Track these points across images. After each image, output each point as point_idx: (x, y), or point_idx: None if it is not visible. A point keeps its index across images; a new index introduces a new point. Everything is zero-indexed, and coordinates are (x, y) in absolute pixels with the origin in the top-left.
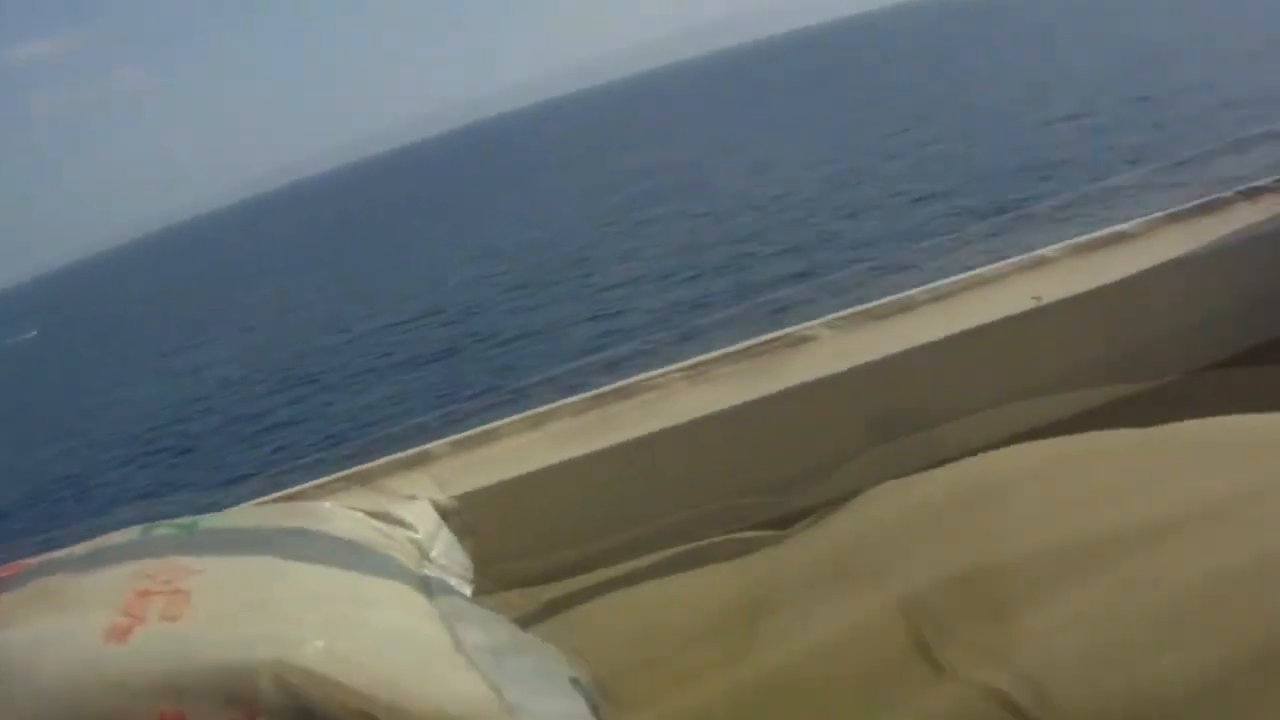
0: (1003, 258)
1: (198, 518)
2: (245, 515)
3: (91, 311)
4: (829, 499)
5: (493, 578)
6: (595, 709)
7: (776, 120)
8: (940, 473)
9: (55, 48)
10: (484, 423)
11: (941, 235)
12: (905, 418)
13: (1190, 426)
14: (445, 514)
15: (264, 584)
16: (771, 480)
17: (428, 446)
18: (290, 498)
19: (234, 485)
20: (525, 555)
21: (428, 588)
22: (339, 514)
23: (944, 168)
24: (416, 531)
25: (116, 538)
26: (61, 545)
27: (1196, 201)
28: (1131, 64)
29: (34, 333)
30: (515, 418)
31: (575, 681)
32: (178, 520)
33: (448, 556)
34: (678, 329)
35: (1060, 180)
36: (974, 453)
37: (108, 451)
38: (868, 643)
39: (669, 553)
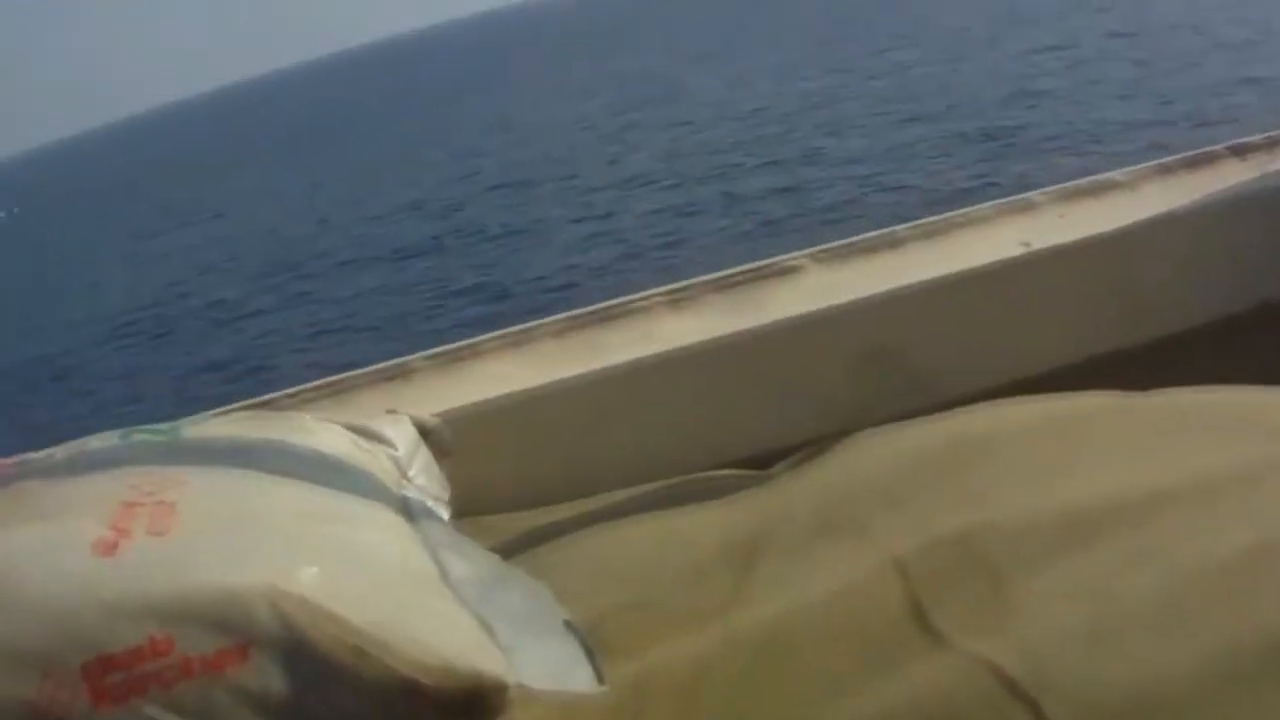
0: (991, 198)
1: (178, 424)
2: (225, 424)
3: (66, 194)
4: (812, 437)
5: (468, 501)
6: (589, 655)
7: (748, 33)
8: (929, 423)
9: None
10: (462, 337)
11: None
12: (890, 357)
13: (1185, 395)
14: (424, 432)
15: (250, 499)
16: (754, 414)
17: (404, 360)
18: (263, 405)
19: (210, 371)
20: (502, 480)
21: (408, 510)
22: (319, 427)
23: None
24: (396, 449)
25: (95, 442)
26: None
27: (1186, 154)
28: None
29: (1, 214)
30: (495, 335)
31: (568, 624)
32: (157, 426)
33: (425, 476)
34: (667, 235)
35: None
36: (959, 398)
37: (79, 331)
38: (862, 603)
39: (650, 487)
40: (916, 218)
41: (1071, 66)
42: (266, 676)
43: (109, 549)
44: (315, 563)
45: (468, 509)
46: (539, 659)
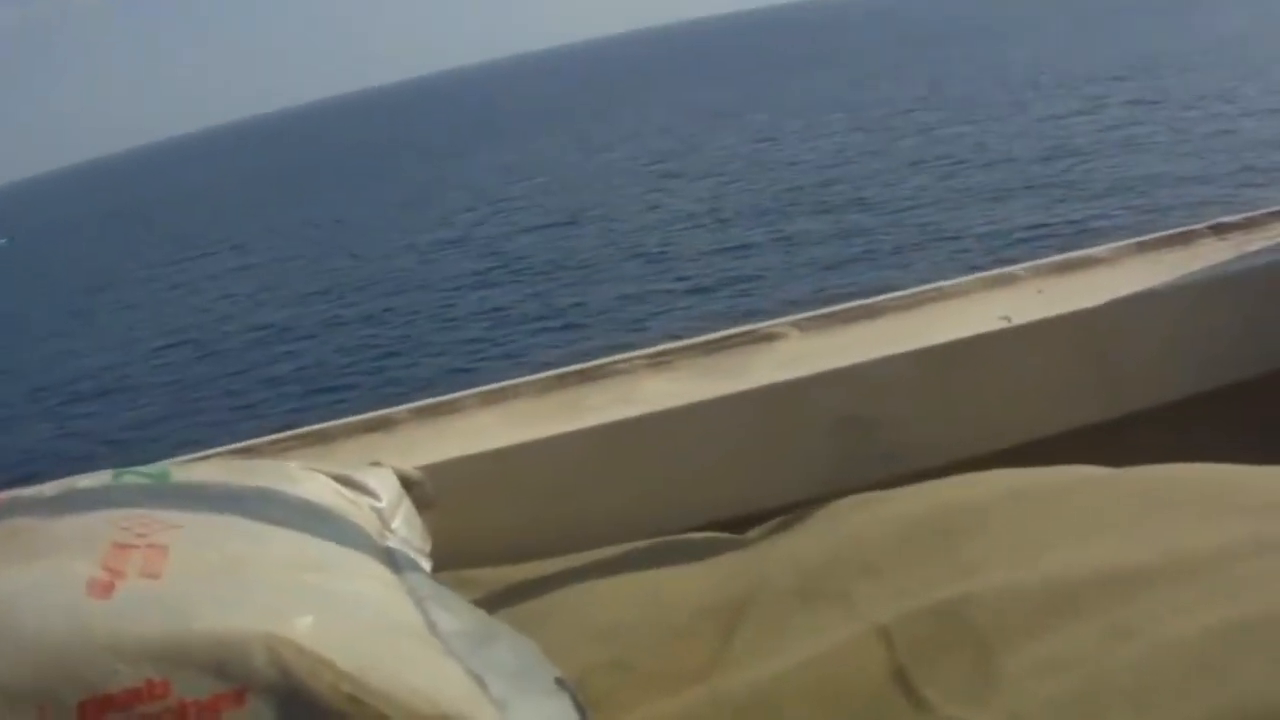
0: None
1: (167, 467)
2: (212, 469)
3: (63, 223)
4: (790, 502)
5: (447, 555)
6: (581, 712)
7: (766, 91)
8: (909, 493)
9: None
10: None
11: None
12: (869, 426)
13: (1162, 471)
14: (407, 484)
15: (241, 546)
16: (733, 478)
17: (387, 411)
18: (245, 452)
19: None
20: (481, 534)
21: (393, 561)
22: (304, 476)
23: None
24: (379, 500)
25: (85, 481)
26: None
27: (1165, 232)
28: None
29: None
30: (478, 390)
31: (559, 681)
32: (147, 469)
33: (407, 528)
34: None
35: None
36: (937, 468)
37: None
38: (847, 668)
39: (628, 546)
40: (981, 264)
41: (1104, 130)
42: None
43: (104, 590)
44: (309, 611)
45: (447, 562)
46: (531, 714)
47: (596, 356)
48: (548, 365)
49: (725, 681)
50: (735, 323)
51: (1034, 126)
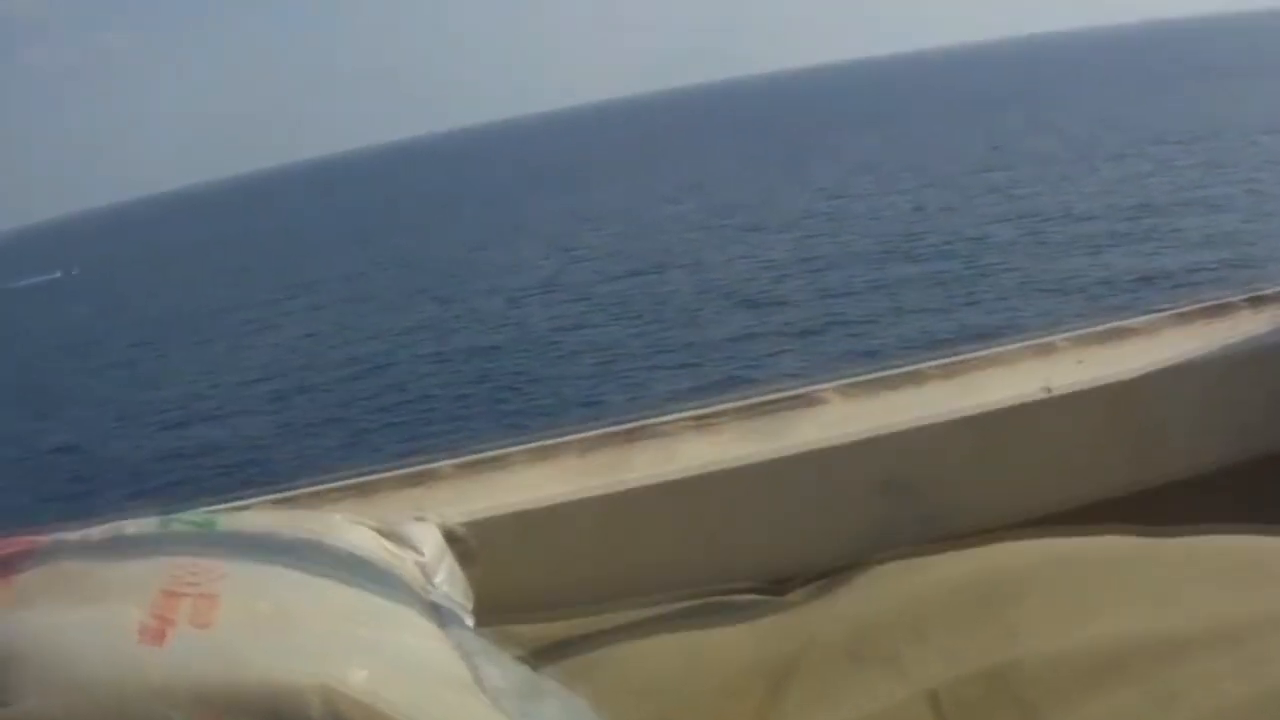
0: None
1: (214, 515)
2: (260, 518)
3: (125, 257)
4: (831, 564)
5: (489, 610)
6: None
7: (821, 149)
8: (952, 559)
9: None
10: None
11: None
12: (909, 490)
13: (1201, 543)
14: (450, 538)
15: (290, 597)
16: (774, 538)
17: (430, 466)
18: (286, 501)
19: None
20: (523, 590)
21: (438, 616)
22: (349, 527)
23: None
24: (423, 554)
25: (132, 527)
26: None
27: (1201, 304)
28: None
29: (58, 273)
30: (520, 448)
31: None
32: (193, 516)
33: (450, 584)
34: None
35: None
36: (976, 532)
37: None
38: None
39: (670, 605)
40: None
41: (1177, 189)
42: None
43: (156, 637)
44: (362, 662)
45: (488, 618)
46: None
47: (720, 390)
48: (670, 400)
49: None
50: (870, 364)
51: (1111, 185)
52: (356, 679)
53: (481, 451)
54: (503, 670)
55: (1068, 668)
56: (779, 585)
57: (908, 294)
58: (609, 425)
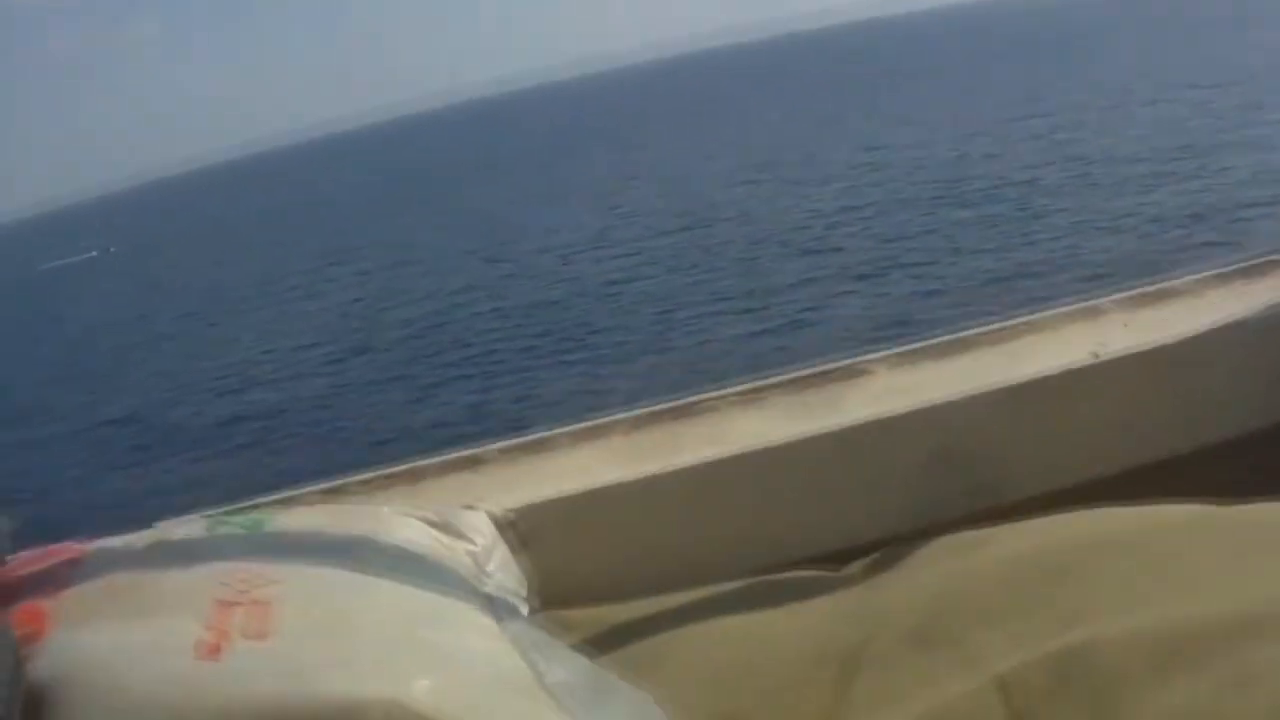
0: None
1: (260, 515)
2: (306, 516)
3: (163, 233)
4: (883, 537)
5: (541, 597)
6: None
7: (858, 103)
8: (1008, 532)
9: None
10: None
11: None
12: (960, 460)
13: (1257, 512)
14: (501, 526)
15: (345, 600)
16: (825, 514)
17: (476, 451)
18: (334, 492)
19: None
20: (575, 576)
21: (494, 609)
22: (399, 521)
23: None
24: (475, 544)
25: (179, 531)
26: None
27: (1242, 263)
28: None
29: (94, 252)
30: (567, 429)
31: None
32: (240, 517)
33: (503, 573)
34: None
35: None
36: (1028, 500)
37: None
38: None
39: (727, 585)
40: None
41: (1222, 130)
42: None
43: (212, 652)
44: (423, 670)
45: (541, 604)
46: None
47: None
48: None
49: None
50: (916, 306)
51: (1151, 129)
52: (419, 689)
53: (527, 435)
54: (563, 665)
55: (1137, 651)
56: (833, 560)
57: (963, 235)
58: (655, 404)
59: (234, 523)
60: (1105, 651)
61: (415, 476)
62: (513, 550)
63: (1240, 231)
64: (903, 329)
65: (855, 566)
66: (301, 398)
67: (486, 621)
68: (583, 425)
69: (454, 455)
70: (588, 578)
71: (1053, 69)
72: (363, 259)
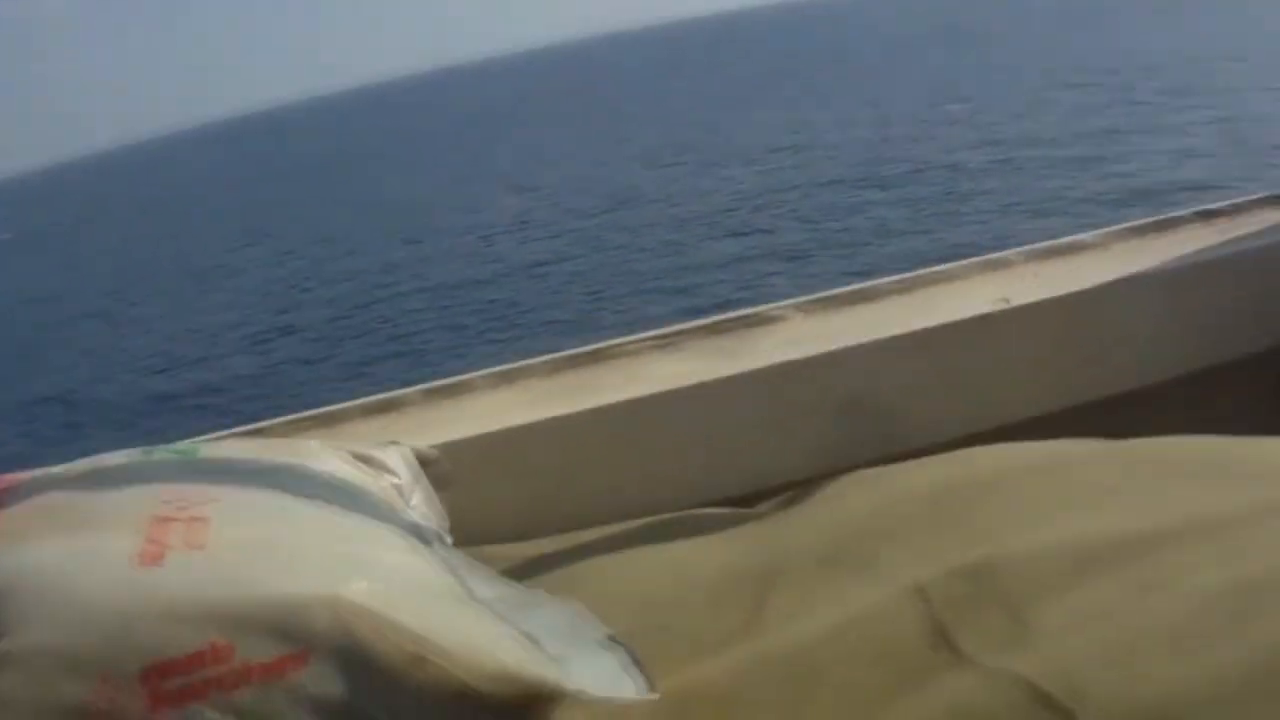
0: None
1: (195, 444)
2: (239, 447)
3: (68, 216)
4: (795, 479)
5: (462, 534)
6: (638, 665)
7: (769, 88)
8: (915, 466)
9: None
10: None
11: None
12: (870, 405)
13: (1161, 444)
14: (423, 462)
15: (279, 519)
16: (739, 456)
17: (397, 393)
18: (259, 432)
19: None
20: (494, 514)
21: (421, 535)
22: (326, 453)
23: None
24: (398, 477)
25: (114, 459)
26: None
27: (1153, 218)
28: None
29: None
30: (486, 372)
31: (612, 638)
32: (174, 446)
33: (426, 506)
34: None
35: None
36: (936, 445)
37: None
38: (886, 627)
39: (641, 522)
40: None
41: (1140, 116)
42: (326, 683)
43: (154, 559)
44: (360, 575)
45: (462, 540)
46: (590, 669)
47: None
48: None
49: (767, 641)
50: (849, 280)
51: (1074, 115)
52: (361, 589)
53: (446, 378)
54: (490, 584)
55: (1048, 562)
56: (745, 501)
57: (891, 217)
58: (572, 348)
59: (168, 449)
60: (1020, 561)
61: (337, 418)
62: (435, 486)
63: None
64: None
65: (765, 506)
66: (236, 376)
67: (415, 544)
68: (501, 368)
69: (375, 398)
70: (505, 516)
71: (970, 56)
72: (281, 240)
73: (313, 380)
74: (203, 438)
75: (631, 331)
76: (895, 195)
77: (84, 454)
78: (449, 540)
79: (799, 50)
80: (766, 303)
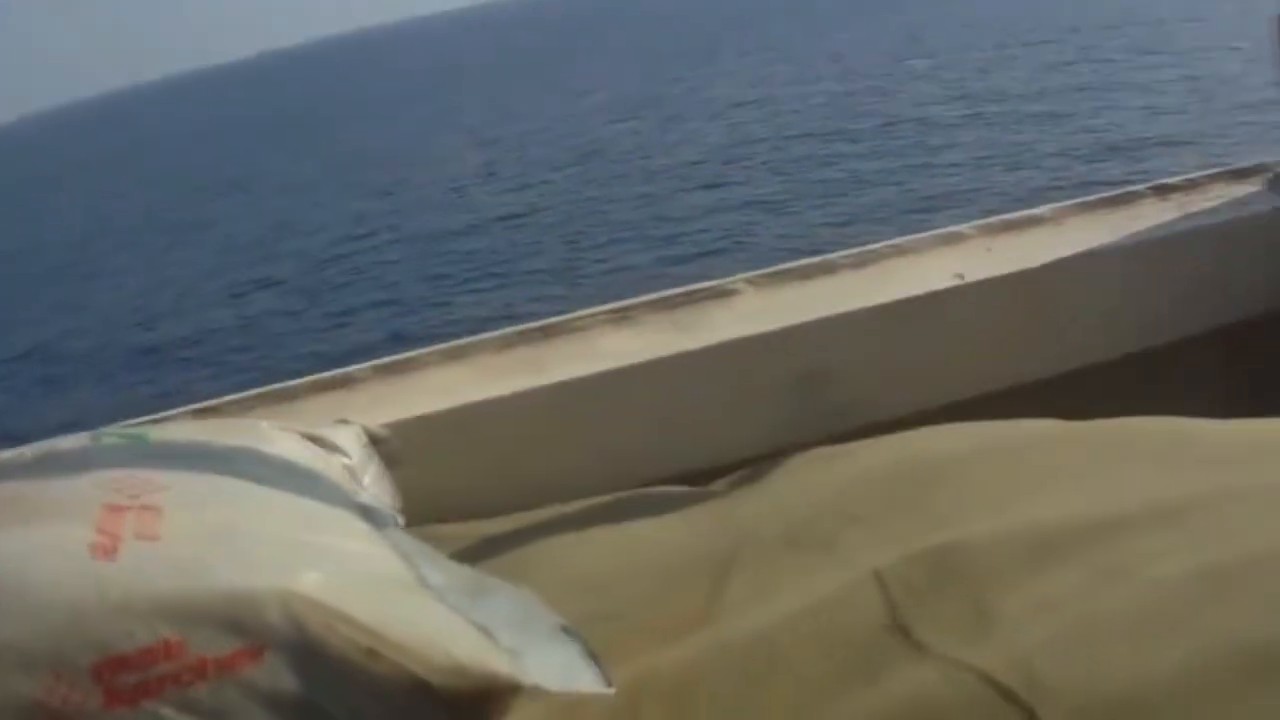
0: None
1: (144, 429)
2: (188, 429)
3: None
4: (751, 455)
5: (415, 512)
6: (593, 658)
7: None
8: (873, 445)
9: None
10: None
11: None
12: (825, 380)
13: (1120, 424)
14: (374, 441)
15: (232, 506)
16: (694, 432)
17: (348, 370)
18: (209, 411)
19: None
20: (448, 491)
21: (373, 518)
22: (277, 434)
23: None
24: (349, 457)
25: (65, 443)
26: None
27: (1109, 193)
28: None
29: None
30: (438, 347)
31: (565, 629)
32: (124, 430)
33: (377, 486)
34: None
35: None
36: (892, 420)
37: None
38: (843, 614)
39: (596, 500)
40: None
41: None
42: (280, 677)
43: (107, 552)
44: (313, 567)
45: (415, 519)
46: (544, 661)
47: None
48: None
49: (724, 629)
50: (830, 235)
51: (1041, 72)
52: (313, 582)
53: (397, 354)
54: (442, 569)
55: (1008, 547)
56: (701, 477)
57: (864, 169)
58: (525, 323)
59: (118, 434)
60: (979, 548)
61: (288, 395)
62: (386, 465)
63: (1142, 167)
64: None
65: (720, 483)
66: (217, 328)
67: (367, 529)
68: (452, 344)
69: (326, 375)
70: (457, 494)
71: (931, 10)
72: (248, 192)
73: (295, 331)
74: (153, 417)
75: (614, 281)
76: (867, 148)
77: (67, 407)
78: (401, 521)
79: (750, 3)
80: (740, 258)
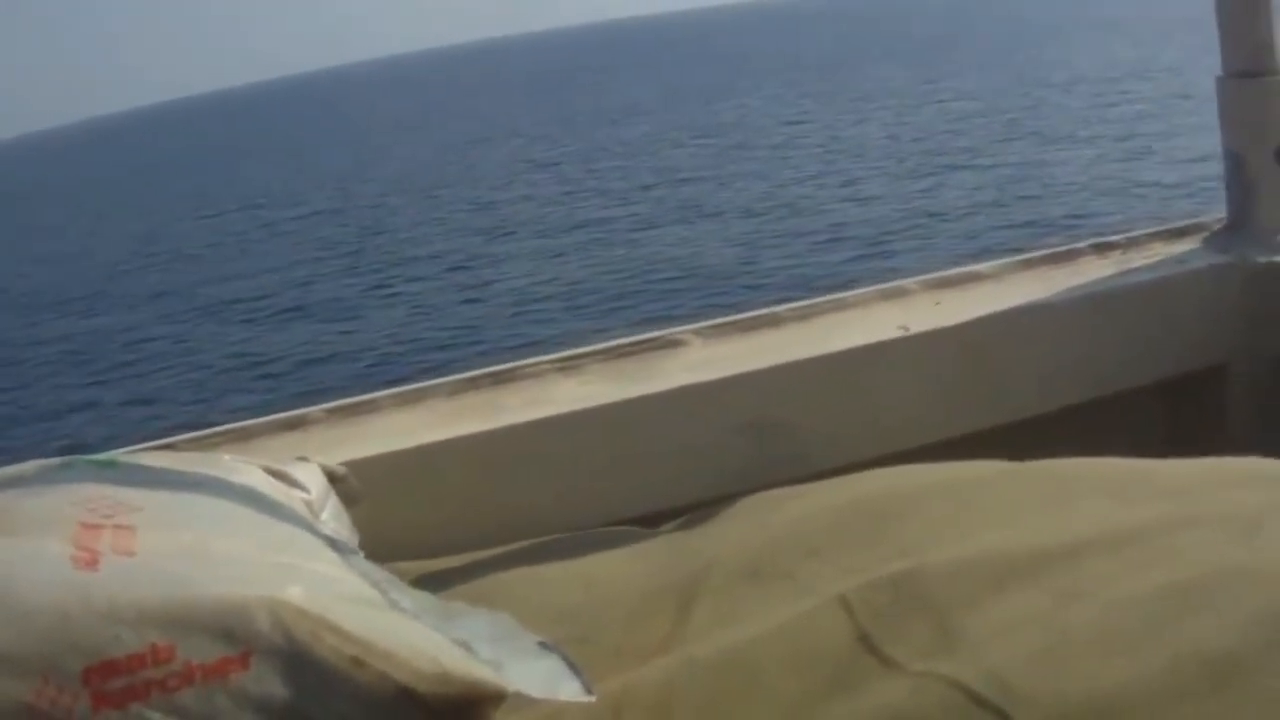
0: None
1: (113, 455)
2: (156, 458)
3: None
4: (698, 501)
5: (375, 550)
6: (575, 670)
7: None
8: (825, 487)
9: None
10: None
11: None
12: (771, 429)
13: (1066, 464)
14: (332, 478)
15: (205, 528)
16: (644, 477)
17: (303, 411)
18: (168, 447)
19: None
20: (401, 531)
21: (338, 548)
22: (240, 466)
23: None
24: (308, 492)
25: (30, 467)
26: None
27: (1049, 250)
28: None
29: None
30: (391, 391)
31: (544, 644)
32: (93, 456)
33: (336, 521)
34: None
35: None
36: (838, 469)
37: None
38: (813, 634)
39: (551, 539)
40: None
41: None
42: (267, 684)
43: (89, 564)
44: (297, 583)
45: (372, 557)
46: (527, 673)
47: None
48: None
49: (695, 649)
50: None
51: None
52: (296, 592)
53: (351, 397)
54: (411, 596)
55: (970, 573)
56: (650, 521)
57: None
58: (475, 370)
59: (87, 460)
60: (941, 574)
61: (244, 435)
62: (344, 503)
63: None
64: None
65: (674, 524)
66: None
67: (334, 557)
68: (406, 389)
69: (280, 415)
70: (412, 534)
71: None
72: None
73: (310, 344)
74: (118, 452)
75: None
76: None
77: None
78: (362, 555)
79: (767, 51)
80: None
